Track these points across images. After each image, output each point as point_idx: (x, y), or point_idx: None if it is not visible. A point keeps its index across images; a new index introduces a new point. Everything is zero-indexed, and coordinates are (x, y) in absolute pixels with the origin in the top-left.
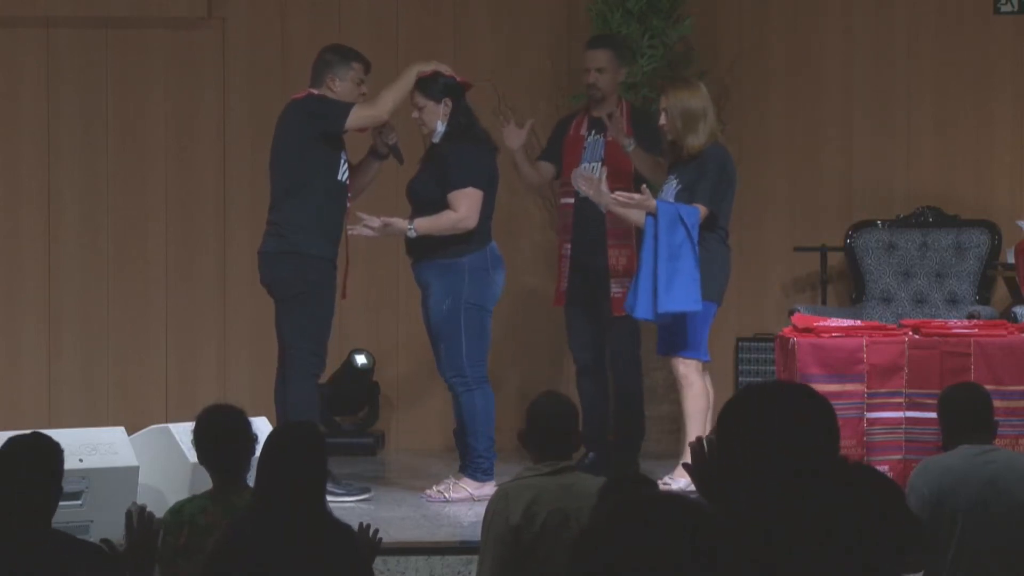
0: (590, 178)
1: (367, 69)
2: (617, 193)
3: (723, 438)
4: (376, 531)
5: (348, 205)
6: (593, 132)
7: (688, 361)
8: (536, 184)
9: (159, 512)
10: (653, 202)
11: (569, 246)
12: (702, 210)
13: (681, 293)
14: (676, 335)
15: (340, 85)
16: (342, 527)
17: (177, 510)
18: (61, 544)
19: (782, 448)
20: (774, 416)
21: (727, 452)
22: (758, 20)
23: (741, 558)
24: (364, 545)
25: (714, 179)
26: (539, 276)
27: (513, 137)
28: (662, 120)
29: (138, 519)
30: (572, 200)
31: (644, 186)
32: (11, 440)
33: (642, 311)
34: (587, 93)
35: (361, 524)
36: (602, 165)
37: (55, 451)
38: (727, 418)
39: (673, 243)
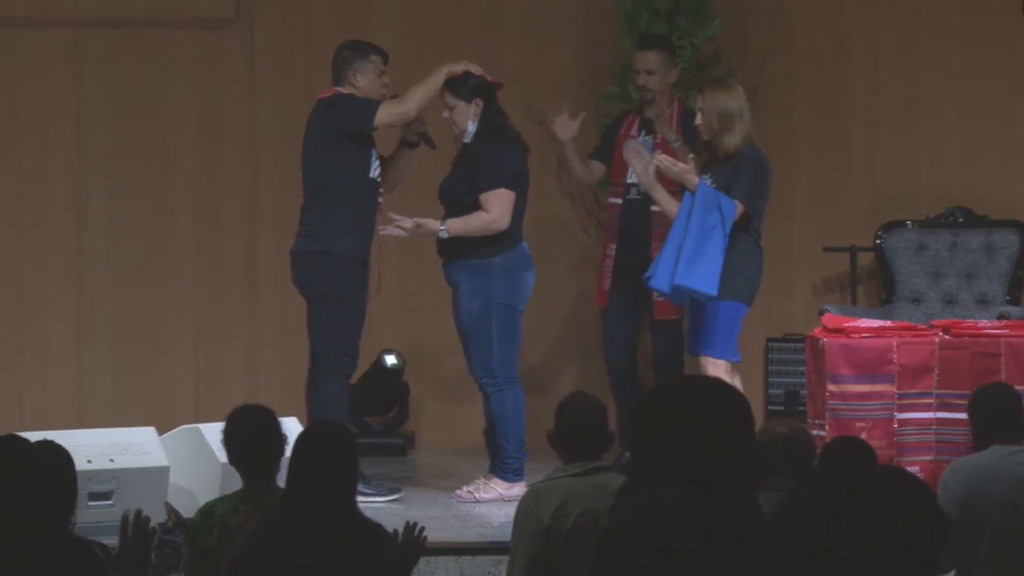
0: (641, 152)
1: (386, 60)
2: (661, 156)
3: (640, 441)
4: (422, 529)
5: (381, 201)
6: (643, 132)
7: (717, 362)
8: (584, 181)
9: (189, 512)
10: (695, 177)
11: (614, 246)
12: (739, 207)
13: (700, 272)
14: (705, 335)
15: (362, 79)
16: (373, 526)
17: (208, 510)
18: (47, 544)
19: (699, 442)
20: (688, 413)
21: (646, 452)
22: (785, 20)
23: (764, 558)
24: (409, 544)
25: (750, 179)
26: (571, 277)
27: (565, 128)
28: (698, 120)
29: (133, 524)
30: (619, 201)
31: (691, 156)
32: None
33: (659, 281)
34: (638, 95)
35: (407, 523)
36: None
37: (66, 458)
38: (642, 420)
39: (706, 224)
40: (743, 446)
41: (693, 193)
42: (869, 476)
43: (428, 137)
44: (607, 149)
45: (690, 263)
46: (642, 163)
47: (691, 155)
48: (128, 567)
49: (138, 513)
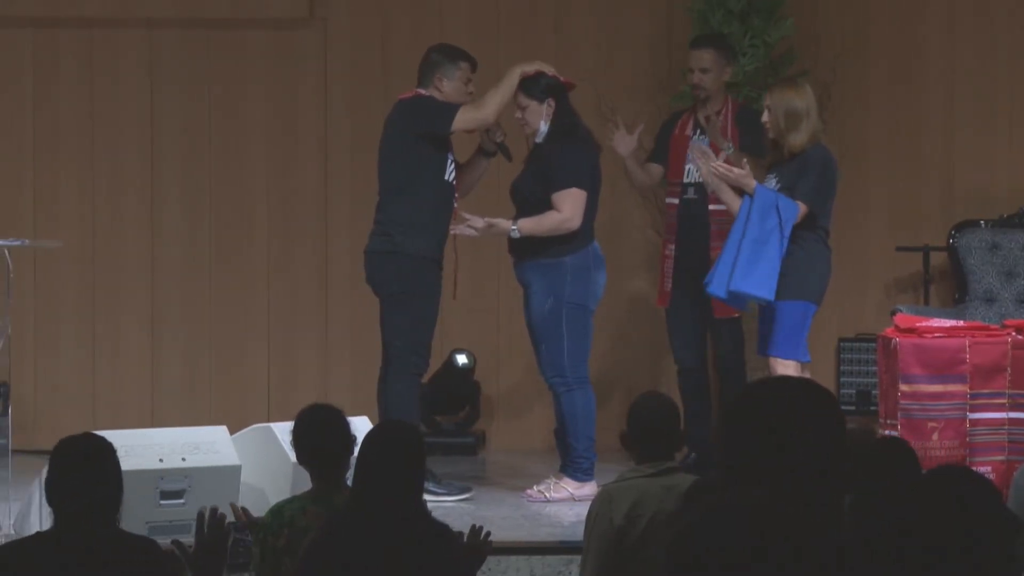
0: (707, 152)
1: (474, 68)
2: (716, 163)
3: (733, 437)
4: (488, 533)
5: (455, 205)
6: (698, 132)
7: (786, 362)
8: (647, 187)
9: (260, 512)
10: (753, 181)
11: (673, 246)
12: (801, 208)
13: (757, 277)
14: (774, 335)
15: (448, 85)
16: (439, 527)
17: (277, 511)
18: (125, 544)
19: (792, 442)
20: (781, 410)
21: (737, 451)
22: (859, 19)
23: (836, 561)
24: (474, 547)
25: (815, 178)
26: (641, 276)
27: (623, 143)
28: (765, 117)
29: (209, 520)
30: (677, 200)
31: (745, 161)
32: (61, 442)
33: (716, 287)
34: (692, 93)
35: (473, 526)
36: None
37: (108, 451)
38: (735, 417)
39: (764, 228)
40: (833, 448)
41: (751, 196)
42: (930, 476)
43: (506, 148)
44: (662, 150)
45: (747, 268)
46: (707, 164)
47: (745, 159)
48: (204, 564)
49: (213, 510)
